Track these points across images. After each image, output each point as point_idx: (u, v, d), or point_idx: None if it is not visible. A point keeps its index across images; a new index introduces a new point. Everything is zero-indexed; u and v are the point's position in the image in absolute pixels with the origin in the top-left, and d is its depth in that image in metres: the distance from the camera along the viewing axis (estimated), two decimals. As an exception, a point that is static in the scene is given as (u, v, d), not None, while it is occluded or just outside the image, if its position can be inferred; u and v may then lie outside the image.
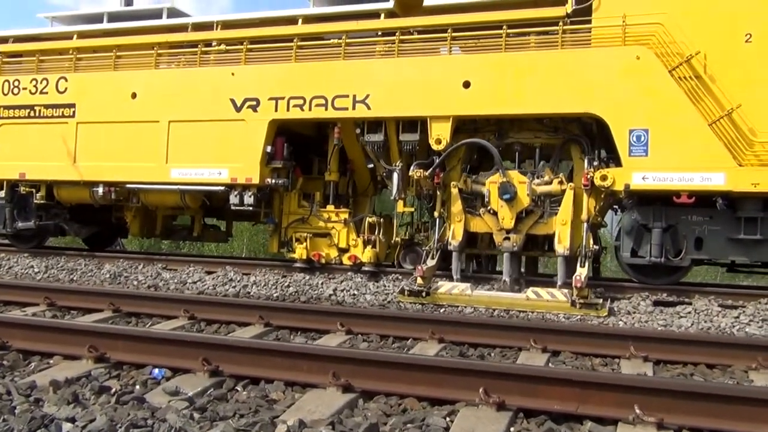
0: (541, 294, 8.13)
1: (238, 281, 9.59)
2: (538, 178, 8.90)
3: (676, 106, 8.10)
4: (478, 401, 3.98)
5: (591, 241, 8.56)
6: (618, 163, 8.42)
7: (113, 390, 4.20)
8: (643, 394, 3.89)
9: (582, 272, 8.00)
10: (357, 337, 6.42)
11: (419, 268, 8.60)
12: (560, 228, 8.62)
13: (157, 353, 4.82)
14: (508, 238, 8.76)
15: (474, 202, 9.16)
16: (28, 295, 7.90)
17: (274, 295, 9.01)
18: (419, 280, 8.55)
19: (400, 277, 9.32)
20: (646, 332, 6.61)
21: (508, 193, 8.64)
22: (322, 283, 9.29)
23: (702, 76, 8.19)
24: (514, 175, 8.81)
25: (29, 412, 3.72)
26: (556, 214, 8.72)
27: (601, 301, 7.92)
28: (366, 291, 8.93)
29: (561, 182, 8.73)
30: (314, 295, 8.93)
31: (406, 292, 8.48)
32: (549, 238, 8.94)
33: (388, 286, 9.03)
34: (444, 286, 8.50)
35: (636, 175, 8.20)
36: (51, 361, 4.94)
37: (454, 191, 9.01)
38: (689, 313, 7.77)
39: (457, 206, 9.00)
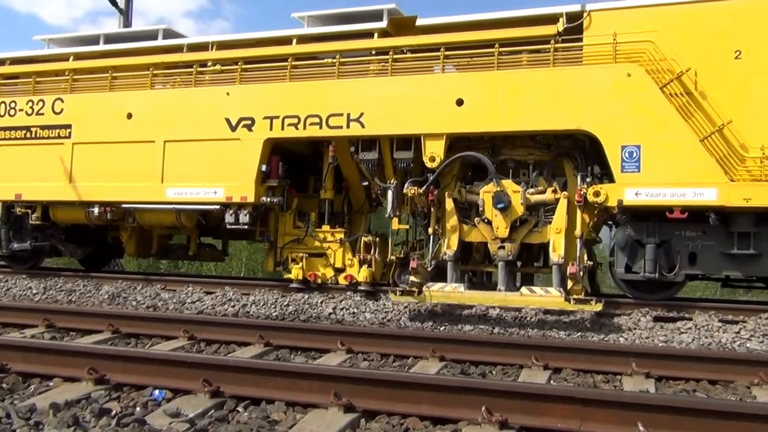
0: (535, 290, 8.23)
1: (237, 301, 9.58)
2: (532, 187, 8.96)
3: (667, 123, 8.17)
4: (480, 420, 3.98)
5: (585, 257, 8.60)
6: (611, 179, 8.47)
7: (113, 412, 4.19)
8: (646, 411, 3.89)
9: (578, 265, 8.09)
10: (357, 356, 6.41)
11: (414, 260, 8.67)
12: (554, 236, 8.67)
13: (157, 374, 4.82)
14: (502, 247, 8.80)
15: (468, 212, 9.22)
16: (27, 316, 7.87)
17: (274, 314, 9.00)
18: (413, 276, 8.62)
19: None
20: (647, 348, 6.62)
21: (502, 202, 8.68)
22: (321, 302, 9.29)
23: (693, 93, 8.29)
24: (508, 185, 8.86)
25: (30, 436, 3.71)
26: (550, 223, 8.78)
27: (595, 298, 7.96)
28: (365, 309, 8.94)
29: (555, 191, 8.80)
30: (314, 314, 8.92)
31: (398, 292, 8.53)
32: (544, 249, 8.99)
33: (387, 305, 9.03)
34: (436, 285, 8.56)
35: (629, 191, 8.24)
36: (51, 384, 4.92)
37: (449, 201, 9.05)
38: (690, 328, 7.79)
39: (452, 216, 9.04)
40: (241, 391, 4.57)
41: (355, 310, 8.93)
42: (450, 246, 9.00)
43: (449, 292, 8.44)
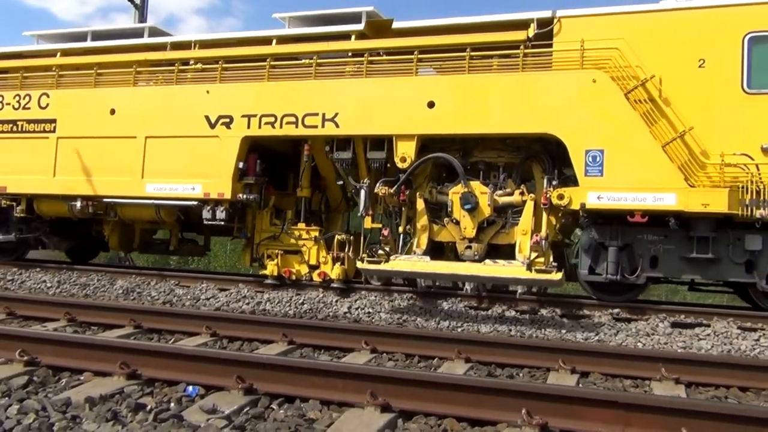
0: (498, 261, 8.58)
1: (252, 298, 9.66)
2: (500, 189, 9.15)
3: (630, 128, 8.33)
4: (520, 422, 3.92)
5: (551, 257, 8.76)
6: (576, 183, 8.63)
7: (149, 407, 4.17)
8: (690, 417, 3.84)
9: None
10: (382, 355, 6.38)
11: (386, 230, 9.10)
12: (521, 238, 8.87)
13: (189, 370, 4.78)
14: (469, 247, 9.02)
15: (439, 212, 9.43)
16: (49, 310, 7.87)
17: (290, 312, 9.07)
18: (382, 246, 9.04)
19: (413, 296, 9.44)
20: (676, 354, 6.56)
21: (469, 203, 8.90)
22: (336, 301, 9.37)
23: (656, 100, 8.46)
24: (476, 186, 9.07)
25: (69, 430, 3.75)
26: (517, 224, 8.97)
27: (555, 268, 8.25)
28: (380, 309, 9.03)
29: (522, 193, 9.00)
30: (329, 312, 8.97)
31: (365, 261, 8.76)
32: (512, 250, 9.16)
33: (402, 305, 9.15)
34: (403, 256, 8.90)
35: (591, 194, 8.40)
36: (81, 378, 4.89)
37: (420, 201, 9.26)
38: (708, 335, 7.79)
39: (422, 216, 9.25)
40: (274, 388, 4.52)
41: (371, 310, 9.01)
42: (420, 245, 9.19)
43: (415, 261, 8.75)
